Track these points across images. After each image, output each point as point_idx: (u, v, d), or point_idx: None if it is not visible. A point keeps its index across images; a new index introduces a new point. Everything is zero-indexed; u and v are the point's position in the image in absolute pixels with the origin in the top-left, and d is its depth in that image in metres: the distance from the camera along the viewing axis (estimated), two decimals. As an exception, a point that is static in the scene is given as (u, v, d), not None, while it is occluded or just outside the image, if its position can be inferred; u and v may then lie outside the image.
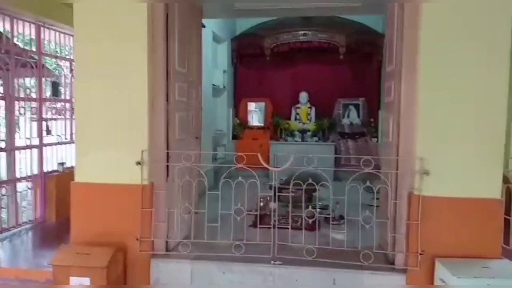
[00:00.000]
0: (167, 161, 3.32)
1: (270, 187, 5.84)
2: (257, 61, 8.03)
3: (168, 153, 3.32)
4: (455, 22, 2.88)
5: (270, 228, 3.37)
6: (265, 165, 3.26)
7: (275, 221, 3.48)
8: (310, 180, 3.52)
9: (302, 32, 7.41)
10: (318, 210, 4.93)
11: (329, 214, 4.40)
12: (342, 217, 4.59)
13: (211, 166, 6.46)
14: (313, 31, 7.38)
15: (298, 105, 8.10)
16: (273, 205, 5.23)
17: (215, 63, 7.38)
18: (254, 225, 4.02)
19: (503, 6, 2.79)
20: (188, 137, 3.92)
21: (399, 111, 3.09)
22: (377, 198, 5.57)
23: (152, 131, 3.30)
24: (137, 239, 3.24)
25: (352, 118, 8.11)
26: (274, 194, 5.03)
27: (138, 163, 3.22)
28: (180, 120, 3.59)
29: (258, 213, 3.60)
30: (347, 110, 8.15)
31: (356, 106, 8.12)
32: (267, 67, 8.11)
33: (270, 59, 7.58)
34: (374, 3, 4.12)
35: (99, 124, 3.33)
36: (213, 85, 6.83)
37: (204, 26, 5.22)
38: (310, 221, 3.32)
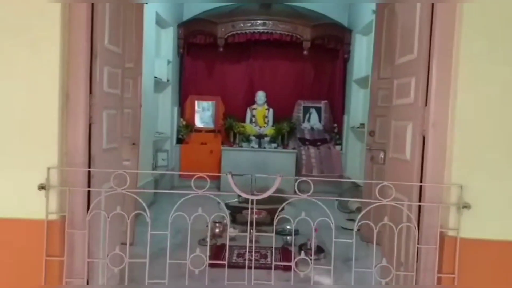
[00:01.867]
0: (89, 184, 2.24)
1: (227, 206, 4.87)
2: (208, 52, 7.04)
3: (90, 172, 2.24)
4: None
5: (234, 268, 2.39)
6: (240, 193, 2.27)
7: (249, 260, 2.56)
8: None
9: (262, 21, 6.52)
10: (288, 238, 4.08)
11: (307, 247, 3.55)
12: (321, 250, 3.74)
13: (151, 191, 5.38)
14: (274, 21, 6.52)
15: (254, 106, 7.20)
16: (233, 231, 4.29)
17: (158, 51, 6.26)
18: (213, 263, 3.04)
19: None
20: (121, 144, 2.85)
21: (425, 119, 2.27)
22: (351, 220, 4.83)
23: (65, 138, 2.22)
24: (38, 306, 2.15)
25: (313, 122, 7.36)
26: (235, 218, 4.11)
27: (42, 187, 2.13)
28: (110, 121, 2.53)
29: (225, 261, 2.58)
30: (308, 114, 7.38)
31: (318, 109, 7.37)
32: (219, 60, 7.15)
33: (223, 51, 6.60)
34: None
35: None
36: (155, 77, 5.72)
37: (146, 2, 4.18)
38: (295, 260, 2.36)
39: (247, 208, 4.55)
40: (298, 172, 6.67)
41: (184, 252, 2.20)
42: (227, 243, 3.53)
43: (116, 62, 2.63)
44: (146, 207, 2.19)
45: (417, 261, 2.27)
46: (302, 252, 2.34)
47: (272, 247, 2.67)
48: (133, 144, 3.68)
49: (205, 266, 2.23)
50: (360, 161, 6.61)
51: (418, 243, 2.22)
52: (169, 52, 6.52)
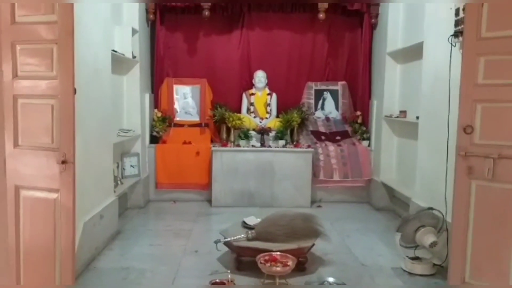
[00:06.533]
0: None
1: (228, 245, 3.32)
2: (188, 19, 5.43)
3: None
4: None
5: None
6: None
7: None
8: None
9: (262, -27, 4.94)
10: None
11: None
12: None
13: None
14: (279, -26, 4.96)
15: (252, 91, 5.63)
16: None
17: (118, 16, 4.62)
18: None
19: None
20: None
21: None
22: (416, 258, 3.36)
23: None
24: None
25: (328, 110, 5.84)
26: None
27: None
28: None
29: None
30: (321, 99, 5.86)
31: (334, 93, 5.85)
32: (204, 30, 5.55)
33: (210, 17, 4.99)
34: None
35: None
36: (114, 51, 4.09)
37: None
38: None
39: (261, 251, 3.03)
40: (314, 177, 5.17)
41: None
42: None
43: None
44: None
45: None
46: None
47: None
48: (63, 162, 2.09)
49: None
50: (397, 162, 5.14)
51: None
52: (134, 18, 4.85)
